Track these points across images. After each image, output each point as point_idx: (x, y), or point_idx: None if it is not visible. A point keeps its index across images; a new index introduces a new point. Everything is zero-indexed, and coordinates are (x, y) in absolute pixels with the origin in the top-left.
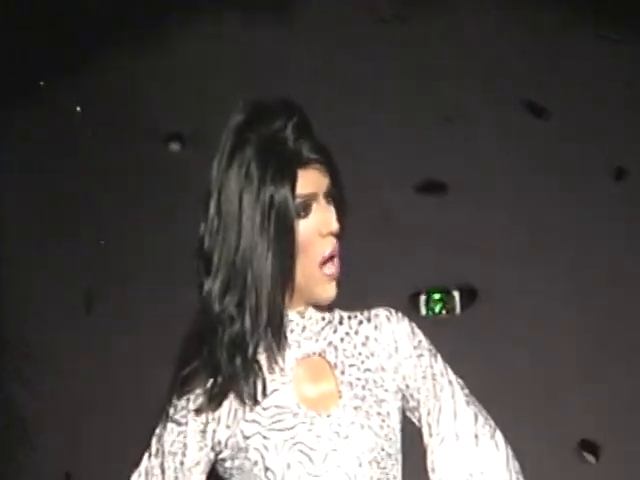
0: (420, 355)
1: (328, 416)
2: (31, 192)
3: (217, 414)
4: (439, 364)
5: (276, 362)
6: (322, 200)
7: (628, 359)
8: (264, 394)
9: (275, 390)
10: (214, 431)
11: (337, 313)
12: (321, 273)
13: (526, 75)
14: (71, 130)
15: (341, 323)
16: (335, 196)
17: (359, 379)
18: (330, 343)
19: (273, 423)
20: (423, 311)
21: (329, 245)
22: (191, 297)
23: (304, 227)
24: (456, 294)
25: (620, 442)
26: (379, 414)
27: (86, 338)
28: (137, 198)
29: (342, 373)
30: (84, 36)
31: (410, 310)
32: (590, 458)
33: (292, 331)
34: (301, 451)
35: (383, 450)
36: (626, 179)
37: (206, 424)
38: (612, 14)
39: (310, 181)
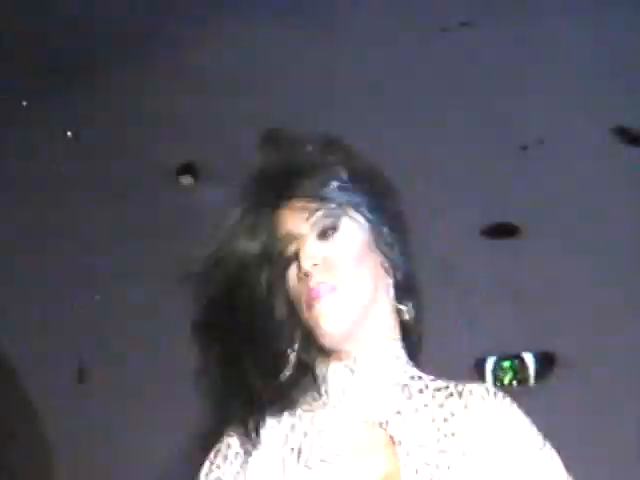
0: (521, 448)
1: None
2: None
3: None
4: (548, 460)
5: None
6: (305, 238)
7: None
8: (307, 465)
9: (323, 461)
10: None
11: (419, 377)
12: (310, 316)
13: (620, 96)
14: (59, 161)
15: (421, 391)
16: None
17: (428, 464)
18: (399, 412)
19: None
20: (489, 381)
21: (304, 287)
22: (194, 360)
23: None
24: (530, 360)
25: None
26: None
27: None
28: (138, 244)
29: (407, 454)
30: (77, 48)
31: (473, 380)
32: None
33: (341, 390)
34: None
35: None
36: None
37: None
38: None
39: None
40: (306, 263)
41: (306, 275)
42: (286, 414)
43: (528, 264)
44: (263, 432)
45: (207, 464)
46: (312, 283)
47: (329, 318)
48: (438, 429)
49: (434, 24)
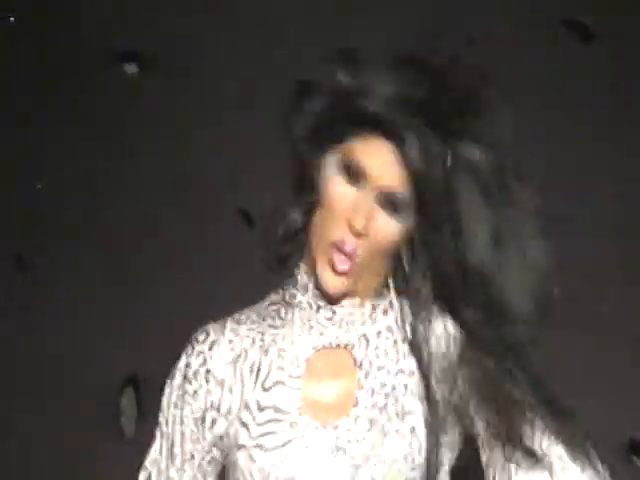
0: None
1: (335, 428)
2: None
3: (216, 399)
4: None
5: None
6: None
7: None
8: (264, 387)
9: (279, 383)
10: (213, 421)
11: (387, 298)
12: (328, 253)
13: None
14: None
15: (386, 313)
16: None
17: (385, 384)
18: (364, 335)
19: (262, 436)
20: None
21: (342, 234)
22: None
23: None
24: None
25: None
26: (397, 432)
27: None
28: (82, 133)
29: (366, 375)
30: None
31: None
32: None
33: (318, 309)
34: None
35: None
36: None
37: (205, 410)
38: None
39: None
40: (361, 222)
41: (353, 232)
42: (245, 327)
43: None
44: (220, 348)
45: (179, 377)
46: (348, 246)
47: (336, 286)
48: (397, 351)
49: None
